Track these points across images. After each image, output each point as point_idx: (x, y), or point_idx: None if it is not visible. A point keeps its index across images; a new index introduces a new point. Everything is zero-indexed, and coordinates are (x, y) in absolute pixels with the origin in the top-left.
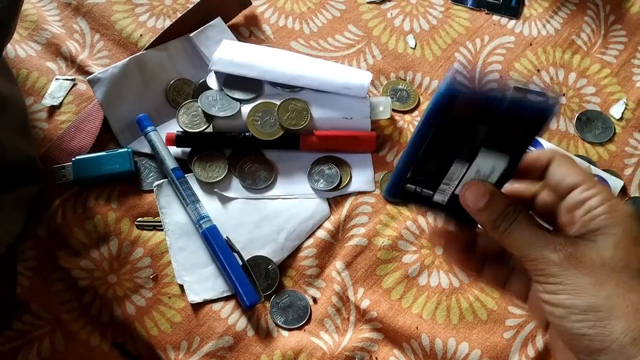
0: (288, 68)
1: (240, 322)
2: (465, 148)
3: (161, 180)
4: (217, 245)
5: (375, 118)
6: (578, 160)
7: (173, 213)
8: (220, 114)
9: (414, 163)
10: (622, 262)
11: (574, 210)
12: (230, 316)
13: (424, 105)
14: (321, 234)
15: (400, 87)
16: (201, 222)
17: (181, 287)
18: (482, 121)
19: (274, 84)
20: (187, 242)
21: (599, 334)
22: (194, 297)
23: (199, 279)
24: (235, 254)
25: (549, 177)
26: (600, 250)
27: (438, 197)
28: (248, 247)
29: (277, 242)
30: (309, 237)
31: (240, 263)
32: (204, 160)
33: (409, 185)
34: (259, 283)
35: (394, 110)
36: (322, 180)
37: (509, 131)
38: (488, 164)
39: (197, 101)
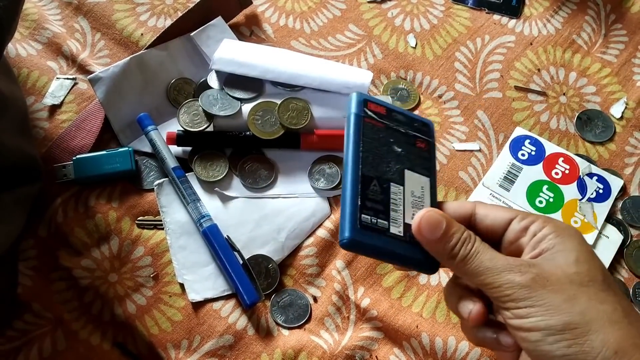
0: (289, 67)
1: (240, 321)
2: (393, 170)
3: (162, 179)
4: (217, 244)
5: None
6: (578, 159)
7: (174, 212)
8: (221, 113)
9: (359, 186)
10: (587, 276)
11: (518, 239)
12: (231, 315)
13: (424, 105)
14: (321, 232)
15: (400, 86)
16: (202, 221)
17: (182, 286)
18: (390, 133)
19: (275, 83)
20: (187, 241)
21: (580, 352)
22: (194, 296)
23: (199, 277)
24: (236, 253)
25: (478, 222)
26: (564, 267)
27: (394, 229)
28: (248, 246)
29: (278, 241)
30: (309, 236)
31: (241, 262)
32: (204, 159)
33: (364, 216)
34: (259, 282)
35: None
36: (322, 180)
37: (413, 146)
38: (416, 185)
39: (197, 100)
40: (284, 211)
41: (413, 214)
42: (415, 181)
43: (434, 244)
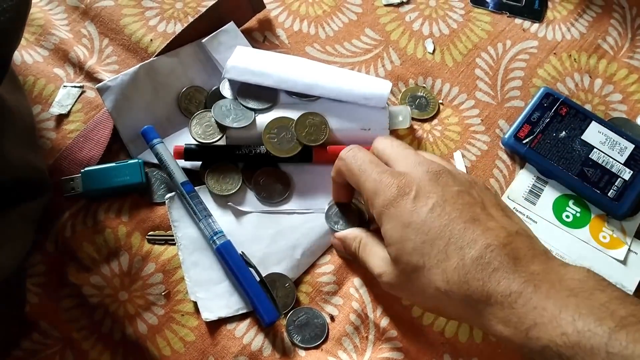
0: (305, 77)
1: (255, 342)
2: None
3: (173, 193)
4: (232, 262)
5: (394, 128)
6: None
7: (186, 227)
8: (235, 125)
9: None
10: (401, 255)
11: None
12: (245, 335)
13: (444, 113)
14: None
15: (419, 94)
16: (215, 237)
17: (195, 304)
18: None
19: (290, 93)
20: (200, 257)
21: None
22: (208, 314)
23: (213, 295)
24: (252, 270)
25: None
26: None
27: None
28: (264, 262)
29: (293, 258)
30: (325, 252)
31: (258, 279)
32: (217, 172)
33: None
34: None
35: (412, 118)
36: (341, 222)
37: None
38: None
39: (210, 111)
40: (300, 227)
41: None
42: None
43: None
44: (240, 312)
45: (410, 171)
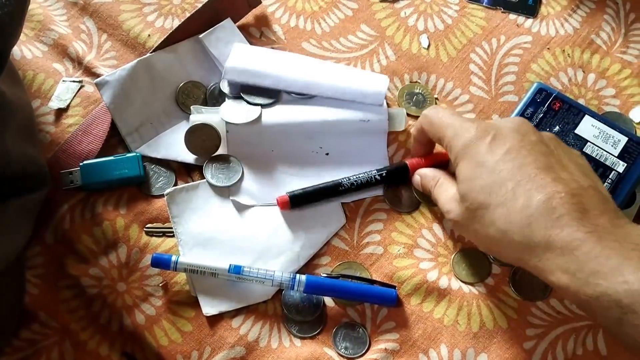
0: (302, 76)
1: (252, 333)
2: None
3: (172, 188)
4: (327, 289)
5: (389, 130)
6: None
7: (185, 222)
8: (245, 121)
9: None
10: (470, 192)
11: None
12: (242, 326)
13: None
14: (336, 242)
15: (416, 90)
16: (294, 282)
17: (195, 298)
18: None
19: (288, 92)
20: (201, 253)
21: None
22: (209, 309)
23: (213, 290)
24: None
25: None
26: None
27: None
28: (263, 256)
29: (293, 251)
30: (324, 245)
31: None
32: (217, 164)
33: None
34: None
35: (409, 115)
36: (349, 344)
37: None
38: None
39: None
40: (299, 221)
41: None
42: None
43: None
44: (241, 306)
45: (489, 122)
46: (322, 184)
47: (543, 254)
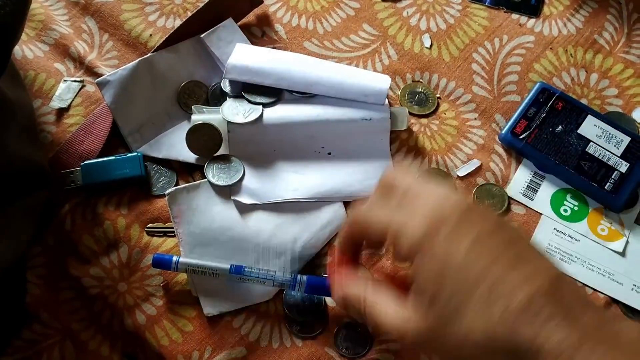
0: (303, 75)
1: (253, 332)
2: None
3: (173, 188)
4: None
5: (391, 129)
6: None
7: (186, 222)
8: (247, 120)
9: None
10: (442, 319)
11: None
12: (243, 326)
13: (441, 108)
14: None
15: (418, 90)
16: (296, 283)
17: (196, 298)
18: None
19: (290, 91)
20: (202, 253)
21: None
22: (210, 310)
23: (215, 291)
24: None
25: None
26: (423, 320)
27: None
28: (264, 256)
29: (294, 251)
30: (325, 244)
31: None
32: (218, 164)
33: None
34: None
35: (412, 114)
36: (349, 343)
37: None
38: None
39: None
40: (300, 220)
41: None
42: None
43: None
44: (242, 306)
45: (435, 207)
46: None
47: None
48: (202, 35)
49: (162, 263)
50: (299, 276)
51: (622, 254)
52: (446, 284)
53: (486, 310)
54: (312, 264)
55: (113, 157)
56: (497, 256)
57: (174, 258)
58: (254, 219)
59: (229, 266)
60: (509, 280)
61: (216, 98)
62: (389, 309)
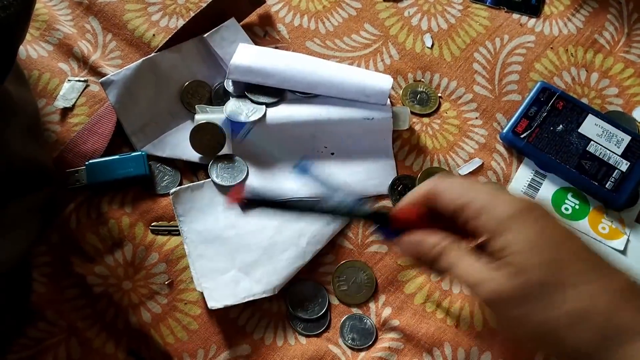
0: (306, 75)
1: (257, 331)
2: None
3: (177, 188)
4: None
5: (393, 128)
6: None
7: (191, 221)
8: (250, 120)
9: None
10: (531, 281)
11: (476, 233)
12: (248, 324)
13: (442, 107)
14: (341, 240)
15: (419, 89)
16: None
17: (198, 293)
18: None
19: (293, 91)
20: (206, 249)
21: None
22: (214, 303)
23: (219, 285)
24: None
25: (437, 201)
26: (510, 279)
27: None
28: (269, 252)
29: (299, 246)
30: (327, 244)
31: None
32: (222, 164)
33: None
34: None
35: (413, 113)
36: (355, 334)
37: None
38: None
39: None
40: (304, 217)
41: None
42: None
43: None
44: (246, 299)
45: (522, 197)
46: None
47: (620, 347)
48: (205, 35)
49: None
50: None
51: (623, 252)
52: (541, 256)
53: (585, 285)
54: (315, 262)
55: (117, 157)
56: (586, 247)
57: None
58: (258, 216)
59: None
60: (601, 265)
61: (219, 98)
62: (471, 264)
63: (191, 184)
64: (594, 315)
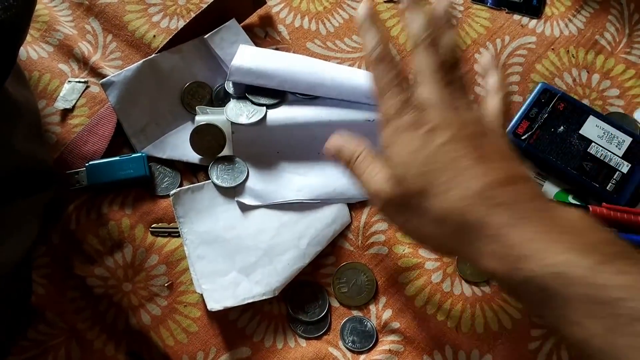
0: (307, 77)
1: (257, 333)
2: None
3: (177, 189)
4: None
5: None
6: None
7: (191, 222)
8: (250, 121)
9: None
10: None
11: None
12: (248, 326)
13: None
14: (341, 242)
15: None
16: None
17: (199, 295)
18: None
19: (293, 92)
20: (206, 251)
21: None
22: (214, 304)
23: (219, 287)
24: None
25: None
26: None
27: None
28: (269, 253)
29: (299, 248)
30: (328, 245)
31: None
32: (222, 165)
33: None
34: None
35: None
36: (355, 337)
37: None
38: None
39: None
40: (304, 218)
41: None
42: None
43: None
44: (246, 301)
45: (434, 105)
46: None
47: (475, 241)
48: (205, 36)
49: None
50: None
51: None
52: (415, 167)
53: (447, 192)
54: (316, 263)
55: (118, 158)
56: (464, 155)
57: None
58: (258, 217)
59: None
60: (469, 172)
61: (220, 99)
62: (375, 170)
63: (191, 185)
64: (446, 223)
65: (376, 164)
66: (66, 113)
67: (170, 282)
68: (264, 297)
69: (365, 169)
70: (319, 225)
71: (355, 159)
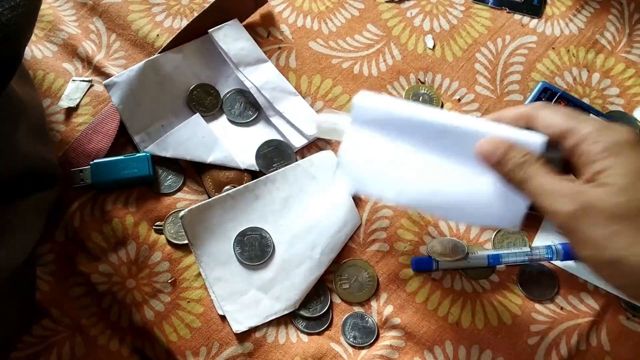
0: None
1: (259, 328)
2: None
3: (186, 210)
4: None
5: None
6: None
7: (202, 244)
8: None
9: None
10: (635, 203)
11: (574, 156)
12: None
13: (445, 107)
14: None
15: (422, 91)
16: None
17: (202, 292)
18: None
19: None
20: (222, 272)
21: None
22: (238, 326)
23: (241, 307)
24: None
25: (538, 126)
26: (611, 196)
27: None
28: (285, 267)
29: (313, 258)
30: (342, 247)
31: None
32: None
33: None
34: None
35: None
36: (357, 333)
37: None
38: None
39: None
40: (315, 227)
41: None
42: None
43: (494, 166)
44: (270, 318)
45: (629, 128)
46: None
47: None
48: (209, 30)
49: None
50: (553, 247)
51: None
52: None
53: None
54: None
55: (122, 157)
56: None
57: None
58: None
59: (486, 258)
60: None
61: (229, 105)
62: (550, 179)
63: (199, 203)
64: None
65: (551, 171)
66: (70, 112)
67: (173, 279)
68: (286, 312)
69: (536, 171)
70: (331, 231)
71: (524, 161)
